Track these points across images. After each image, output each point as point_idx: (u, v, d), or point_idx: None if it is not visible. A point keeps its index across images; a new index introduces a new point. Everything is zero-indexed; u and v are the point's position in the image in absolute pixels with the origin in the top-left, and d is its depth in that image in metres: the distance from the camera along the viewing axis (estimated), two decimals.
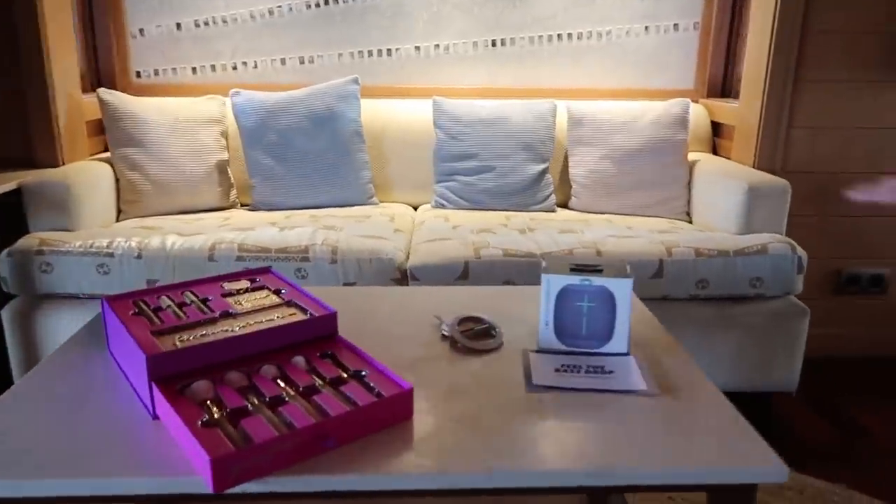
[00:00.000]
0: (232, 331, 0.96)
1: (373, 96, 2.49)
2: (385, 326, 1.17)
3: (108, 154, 2.31)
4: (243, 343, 0.94)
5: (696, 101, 2.56)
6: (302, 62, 2.56)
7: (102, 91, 2.17)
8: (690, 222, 2.22)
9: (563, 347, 1.08)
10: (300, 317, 1.02)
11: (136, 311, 1.01)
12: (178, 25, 2.52)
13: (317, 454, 0.80)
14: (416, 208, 2.42)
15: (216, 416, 0.81)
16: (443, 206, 2.32)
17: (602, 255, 1.80)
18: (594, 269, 1.08)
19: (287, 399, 0.85)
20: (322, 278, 1.78)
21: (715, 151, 2.49)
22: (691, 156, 2.34)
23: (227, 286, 1.13)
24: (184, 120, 2.25)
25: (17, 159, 2.10)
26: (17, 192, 1.88)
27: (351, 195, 2.32)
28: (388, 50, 2.56)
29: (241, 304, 1.06)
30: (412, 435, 0.84)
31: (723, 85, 2.59)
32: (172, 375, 0.88)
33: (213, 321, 1.00)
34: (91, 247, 1.78)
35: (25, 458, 0.78)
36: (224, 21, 2.51)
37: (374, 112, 2.41)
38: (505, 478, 0.78)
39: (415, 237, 2.00)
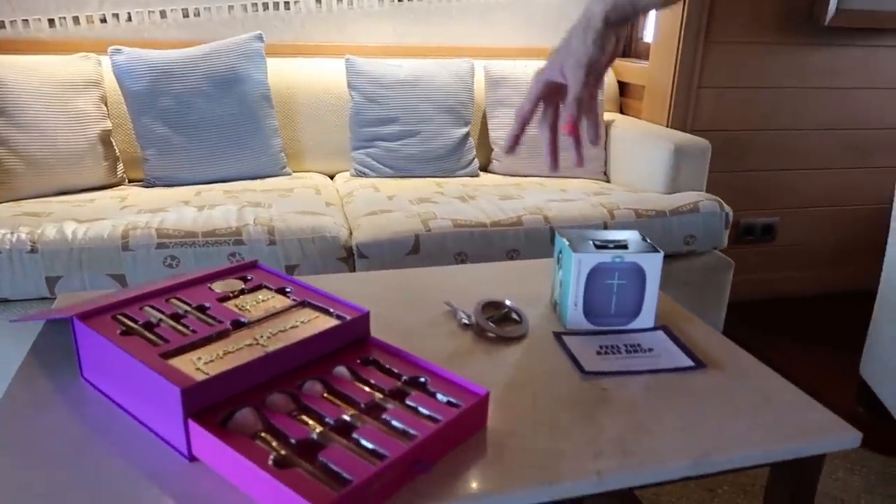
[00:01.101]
0: (259, 344, 0.82)
1: (272, 55, 2.26)
2: (395, 318, 1.06)
3: None
4: (283, 359, 0.80)
5: None
6: (186, 15, 2.27)
7: None
8: (609, 182, 2.27)
9: (592, 327, 1.05)
10: (326, 320, 0.89)
11: (124, 329, 0.83)
12: None
13: (411, 481, 0.70)
14: (332, 177, 2.26)
15: (283, 451, 0.68)
16: (364, 175, 2.18)
17: (550, 221, 1.79)
18: (619, 245, 1.05)
19: (355, 421, 0.74)
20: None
21: (621, 110, 2.56)
22: (605, 116, 2.38)
23: (219, 288, 0.96)
24: (53, 83, 1.90)
25: None
26: None
27: (261, 166, 2.11)
28: (286, 3, 2.33)
29: (247, 309, 0.90)
30: (497, 445, 0.77)
31: (625, 45, 2.64)
32: (208, 408, 0.73)
33: (226, 334, 0.84)
34: None
35: None
36: None
37: (278, 73, 2.19)
38: (615, 481, 0.74)
39: (349, 210, 1.86)
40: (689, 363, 0.95)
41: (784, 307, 2.45)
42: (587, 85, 0.72)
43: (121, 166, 2.05)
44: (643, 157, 2.11)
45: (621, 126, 2.29)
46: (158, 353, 0.77)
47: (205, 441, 0.70)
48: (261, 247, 1.61)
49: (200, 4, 2.26)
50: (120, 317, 0.86)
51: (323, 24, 2.37)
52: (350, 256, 1.68)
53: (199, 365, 0.77)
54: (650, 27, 2.46)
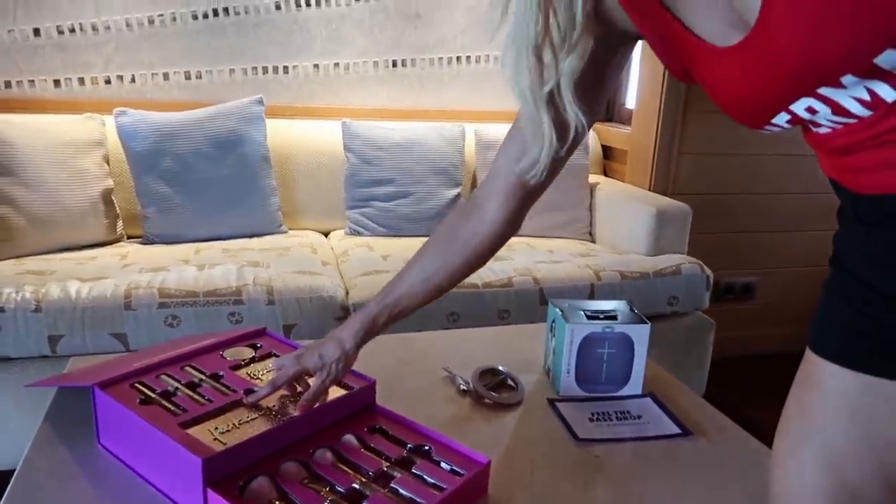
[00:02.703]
0: (272, 413, 0.86)
1: (271, 116, 2.34)
2: (395, 382, 1.11)
3: None
4: (295, 428, 0.84)
5: None
6: (188, 78, 2.35)
7: None
8: (594, 242, 2.36)
9: (583, 393, 1.10)
10: (333, 389, 0.94)
11: (143, 398, 0.87)
12: (37, 31, 2.19)
13: None
14: (326, 235, 2.32)
15: None
16: (358, 234, 2.25)
17: (540, 283, 1.85)
18: (608, 315, 1.11)
19: (364, 490, 0.78)
20: (258, 321, 1.65)
21: (605, 173, 2.66)
22: (590, 178, 2.48)
23: (230, 356, 1.01)
24: (59, 143, 1.96)
25: None
26: None
27: (258, 224, 2.17)
28: (285, 67, 2.42)
29: (259, 378, 0.95)
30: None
31: (607, 110, 2.77)
32: (225, 477, 0.77)
33: (240, 403, 0.89)
34: None
35: None
36: (94, 29, 2.23)
37: (277, 133, 2.27)
38: None
39: (345, 270, 1.91)
40: (676, 430, 1.01)
41: (764, 364, 2.52)
42: (325, 387, 0.90)
43: (121, 223, 2.09)
44: (627, 220, 2.20)
45: (606, 189, 2.39)
46: (178, 423, 0.82)
47: None
48: (260, 307, 1.66)
49: (202, 67, 2.35)
50: (138, 385, 0.90)
51: (320, 88, 2.46)
52: (347, 315, 1.73)
53: (217, 434, 0.81)
54: (632, 95, 2.59)
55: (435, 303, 1.72)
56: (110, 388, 0.88)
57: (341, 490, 0.78)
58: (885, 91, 0.52)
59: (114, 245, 2.04)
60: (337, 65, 2.47)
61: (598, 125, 2.69)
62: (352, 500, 0.77)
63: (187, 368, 0.96)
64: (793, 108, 0.57)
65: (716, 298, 2.51)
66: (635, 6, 0.66)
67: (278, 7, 2.35)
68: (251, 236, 2.14)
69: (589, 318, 1.10)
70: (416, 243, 2.10)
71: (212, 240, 2.08)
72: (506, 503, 0.83)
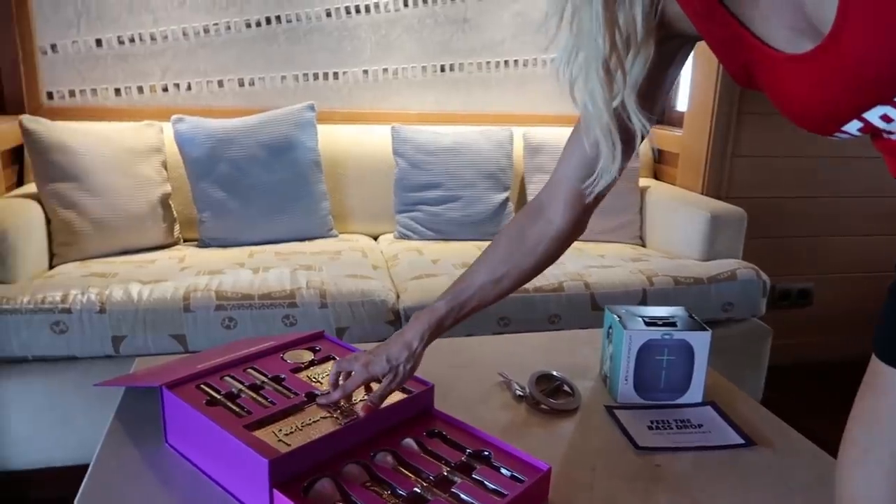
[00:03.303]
0: (334, 417, 0.88)
1: (321, 121, 2.37)
2: (450, 387, 1.11)
3: (25, 189, 2.04)
4: (356, 431, 0.85)
5: None
6: (242, 84, 2.40)
7: (26, 118, 1.91)
8: (644, 246, 2.32)
9: (642, 401, 1.09)
10: (394, 394, 0.95)
11: (209, 399, 0.89)
12: (99, 42, 2.27)
13: None
14: (375, 238, 2.34)
15: None
16: (407, 237, 2.26)
17: (591, 287, 1.84)
18: (668, 322, 1.09)
19: (426, 494, 0.79)
20: (312, 324, 1.67)
21: (656, 176, 2.62)
22: (640, 182, 2.44)
23: (290, 358, 1.03)
24: (120, 150, 2.03)
25: None
26: None
27: (309, 227, 2.20)
28: (336, 73, 2.46)
29: (319, 381, 0.96)
30: None
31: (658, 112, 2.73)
32: (290, 478, 0.78)
33: (301, 406, 0.90)
34: (43, 302, 1.56)
35: None
36: (153, 38, 2.30)
37: (327, 138, 2.30)
38: None
39: (395, 274, 1.93)
40: (739, 440, 0.99)
41: (822, 372, 2.45)
42: (392, 389, 0.91)
43: (177, 227, 2.15)
44: (679, 224, 2.16)
45: (656, 192, 2.35)
46: (243, 425, 0.83)
47: None
48: (313, 310, 1.68)
49: (255, 74, 2.40)
50: (203, 386, 0.92)
51: (369, 93, 2.49)
52: (398, 319, 1.74)
53: (281, 437, 0.83)
54: (684, 97, 2.54)
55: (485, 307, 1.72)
56: (177, 388, 0.91)
57: (403, 493, 0.79)
58: None
59: (171, 248, 2.10)
60: (386, 70, 2.49)
61: None
62: (413, 503, 0.77)
63: (250, 371, 0.98)
64: (866, 115, 0.56)
65: (771, 304, 2.45)
66: (700, 13, 0.65)
67: (329, 14, 2.39)
68: (302, 240, 2.18)
69: (647, 324, 1.08)
70: (464, 247, 2.13)
71: (265, 243, 2.12)
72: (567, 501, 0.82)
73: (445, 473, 0.83)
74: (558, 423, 1.03)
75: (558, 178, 0.89)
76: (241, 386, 0.93)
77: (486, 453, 0.87)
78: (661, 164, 2.61)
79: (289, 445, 0.80)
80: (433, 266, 1.93)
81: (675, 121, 2.63)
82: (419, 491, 0.79)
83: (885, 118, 0.55)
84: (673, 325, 1.09)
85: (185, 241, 2.20)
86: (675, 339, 1.07)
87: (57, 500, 1.67)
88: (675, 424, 1.03)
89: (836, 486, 0.64)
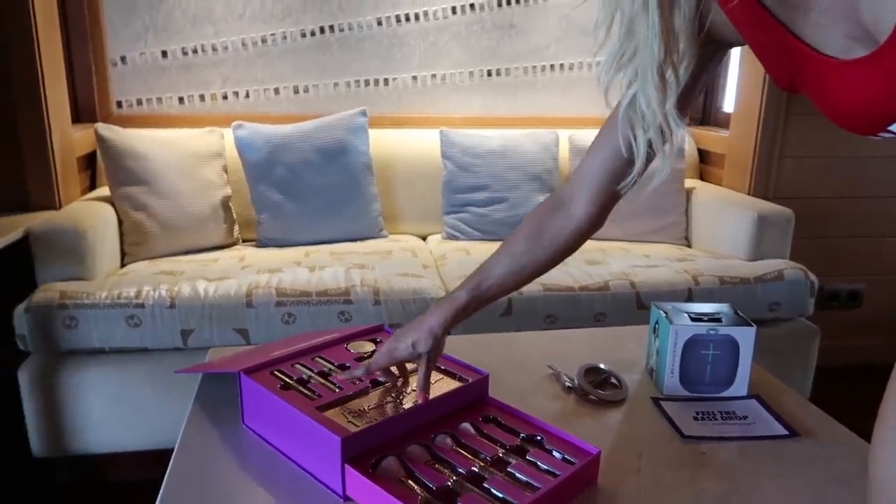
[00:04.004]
0: (398, 402, 0.95)
1: (372, 126, 2.46)
2: (503, 378, 1.17)
3: (98, 192, 2.18)
4: (418, 415, 0.92)
5: None
6: (297, 92, 2.51)
7: (101, 126, 2.04)
8: (690, 247, 2.34)
9: (687, 394, 1.13)
10: (449, 381, 1.01)
11: (283, 384, 0.97)
12: (164, 53, 2.40)
13: None
14: (424, 238, 2.42)
15: (424, 497, 0.80)
16: (455, 238, 2.33)
17: (636, 287, 1.87)
18: (713, 318, 1.13)
19: (483, 473, 0.85)
20: (365, 320, 1.75)
21: (701, 177, 2.63)
22: (686, 183, 2.46)
23: (354, 349, 1.10)
24: (185, 155, 2.15)
25: (9, 201, 1.93)
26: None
27: (360, 229, 2.29)
28: (386, 79, 2.54)
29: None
30: (608, 500, 0.86)
31: (703, 115, 2.74)
32: (359, 455, 0.85)
33: (366, 391, 0.97)
34: (119, 297, 1.67)
35: None
36: (214, 49, 2.42)
37: (378, 142, 2.38)
38: None
39: (445, 273, 2.00)
40: (783, 431, 1.02)
41: (873, 375, 2.42)
42: (429, 374, 0.97)
43: (237, 228, 2.26)
44: (725, 224, 2.18)
45: (702, 193, 2.37)
46: (315, 406, 0.91)
47: (359, 484, 0.82)
48: (367, 306, 1.76)
49: (309, 82, 2.50)
50: (276, 373, 1.01)
51: (418, 98, 2.57)
52: None
53: (350, 418, 0.90)
54: (730, 98, 2.55)
55: (533, 305, 1.78)
56: (254, 374, 0.99)
57: (462, 472, 0.85)
58: None
59: (231, 248, 2.21)
60: (434, 76, 2.56)
61: (693, 129, 2.67)
62: (472, 481, 0.84)
63: (317, 359, 1.06)
64: None
65: (820, 305, 2.44)
66: (747, 21, 0.70)
67: (380, 23, 2.48)
68: (355, 240, 2.27)
69: (693, 320, 1.13)
70: None
71: (319, 243, 2.21)
72: (614, 492, 0.87)
73: (501, 455, 0.89)
74: (606, 413, 1.08)
75: (584, 175, 0.93)
76: (310, 373, 1.01)
77: (539, 438, 0.93)
78: (707, 165, 2.62)
79: (357, 426, 0.87)
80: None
81: (721, 122, 2.64)
82: (476, 470, 0.85)
83: None
84: (718, 320, 1.12)
85: (243, 241, 2.31)
86: (721, 334, 1.11)
87: (133, 482, 1.79)
88: (720, 416, 1.07)
89: (868, 468, 0.68)
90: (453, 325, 0.98)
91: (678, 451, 0.98)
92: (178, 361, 1.71)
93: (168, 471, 0.91)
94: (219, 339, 1.71)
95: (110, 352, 1.70)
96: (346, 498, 0.84)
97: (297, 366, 1.03)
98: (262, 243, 2.23)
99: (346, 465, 0.83)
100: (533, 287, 1.83)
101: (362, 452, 0.86)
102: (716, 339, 1.11)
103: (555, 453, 0.90)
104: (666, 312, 1.15)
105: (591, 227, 0.95)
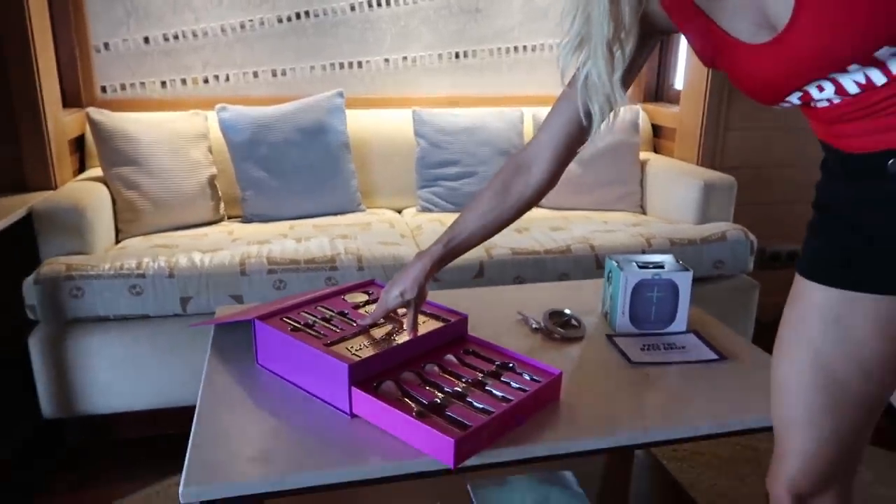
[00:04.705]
0: (392, 339, 1.12)
1: (348, 107, 2.59)
2: (479, 323, 1.34)
3: (90, 173, 2.28)
4: (410, 348, 1.09)
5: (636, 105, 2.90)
6: (274, 75, 2.63)
7: (92, 110, 2.15)
8: (645, 214, 2.55)
9: (636, 331, 1.32)
10: (434, 323, 1.19)
11: (293, 327, 1.13)
12: (146, 39, 2.50)
13: (509, 432, 0.98)
14: (399, 212, 2.57)
15: (418, 409, 0.97)
16: (429, 210, 2.50)
17: (595, 249, 2.07)
18: (657, 265, 1.32)
19: (466, 391, 1.03)
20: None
21: (655, 149, 2.84)
22: (641, 155, 2.66)
23: (350, 299, 1.27)
24: (173, 136, 2.26)
25: (6, 182, 2.04)
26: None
27: (340, 203, 2.44)
28: (360, 62, 2.68)
29: None
30: (569, 410, 1.05)
31: (656, 91, 2.94)
32: (363, 380, 1.02)
33: (364, 331, 1.14)
34: (122, 269, 1.81)
35: (273, 456, 0.91)
36: (194, 35, 2.53)
37: (354, 122, 2.52)
38: (658, 434, 1.01)
39: (421, 242, 2.16)
40: (714, 356, 1.22)
41: None
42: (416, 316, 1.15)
43: (223, 205, 2.39)
44: (676, 192, 2.38)
45: (655, 164, 2.57)
46: (323, 343, 1.08)
47: (364, 402, 0.99)
48: (352, 272, 1.92)
49: (286, 65, 2.62)
50: (286, 319, 1.17)
51: (391, 80, 2.71)
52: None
53: (353, 351, 1.07)
54: (679, 77, 2.75)
55: (502, 267, 1.96)
56: (267, 320, 1.15)
57: (448, 391, 1.03)
58: (876, 76, 0.70)
59: (218, 224, 2.34)
60: (405, 58, 2.71)
61: (647, 105, 2.86)
62: (457, 398, 1.01)
63: (320, 307, 1.22)
64: (806, 88, 0.76)
65: (763, 266, 2.67)
66: (676, 9, 0.87)
67: (353, 8, 2.61)
68: (335, 214, 2.41)
69: (640, 268, 1.32)
70: None
71: (301, 218, 2.36)
72: (575, 405, 1.06)
73: (480, 378, 1.07)
74: (568, 348, 1.27)
75: (544, 140, 1.06)
76: (315, 318, 1.18)
77: (511, 364, 1.11)
78: (660, 139, 2.82)
79: (360, 357, 1.04)
80: None
81: (672, 98, 2.84)
82: (460, 389, 1.03)
83: (819, 88, 0.75)
84: (661, 267, 1.32)
85: (229, 217, 2.44)
86: (663, 279, 1.30)
87: (136, 439, 1.94)
88: (663, 347, 1.26)
89: (771, 375, 0.87)
90: (432, 273, 1.14)
91: (627, 374, 1.17)
92: (177, 326, 1.85)
93: (198, 403, 1.06)
94: (215, 304, 1.85)
95: (114, 319, 1.83)
96: (353, 415, 1.01)
97: (304, 313, 1.20)
98: (247, 219, 2.36)
99: (353, 388, 1.00)
100: (502, 251, 2.01)
101: (365, 378, 1.03)
102: (659, 282, 1.30)
103: (525, 375, 1.08)
104: (618, 262, 1.34)
105: (549, 185, 1.10)
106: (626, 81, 0.96)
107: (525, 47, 2.79)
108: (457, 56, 2.75)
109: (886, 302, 0.76)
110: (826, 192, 0.84)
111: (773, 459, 0.90)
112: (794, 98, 0.80)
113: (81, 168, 2.39)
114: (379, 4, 2.62)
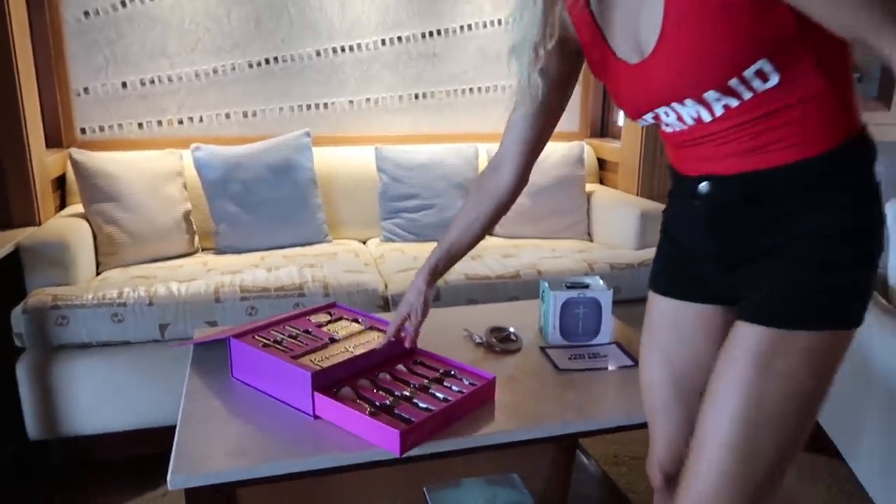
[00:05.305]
0: (349, 351, 1.29)
1: (315, 144, 2.78)
2: (430, 340, 1.52)
3: (71, 210, 2.43)
4: (365, 359, 1.27)
5: (582, 141, 3.14)
6: (245, 115, 2.82)
7: (74, 151, 2.31)
8: (592, 241, 2.76)
9: (566, 343, 1.51)
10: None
11: (264, 343, 1.30)
12: (124, 84, 2.67)
13: (449, 426, 1.16)
14: (364, 242, 2.76)
15: (371, 409, 1.15)
16: (391, 240, 2.68)
17: (542, 274, 2.27)
18: (583, 286, 1.52)
19: (412, 395, 1.20)
20: None
21: (601, 181, 3.07)
22: (587, 187, 2.89)
23: (314, 319, 1.44)
24: (149, 174, 2.43)
25: None
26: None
27: (308, 235, 2.61)
28: (325, 104, 2.88)
29: (337, 332, 1.38)
30: (503, 407, 1.23)
31: (601, 127, 3.19)
32: (323, 386, 1.20)
33: (326, 346, 1.32)
34: (104, 298, 1.95)
35: (247, 451, 1.07)
36: (170, 79, 2.71)
37: (320, 159, 2.71)
38: (575, 426, 1.19)
39: (383, 269, 2.34)
40: (631, 363, 1.41)
41: None
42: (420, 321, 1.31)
43: (197, 238, 2.55)
44: (618, 221, 2.61)
45: (600, 195, 2.80)
46: (290, 356, 1.25)
47: (325, 404, 1.16)
48: (318, 298, 2.09)
49: (257, 107, 2.81)
50: (257, 337, 1.34)
51: (355, 119, 2.91)
52: (386, 304, 2.16)
53: (315, 362, 1.24)
54: (622, 114, 2.99)
55: (457, 291, 2.14)
56: (241, 338, 1.32)
57: (398, 394, 1.20)
58: (704, 113, 0.86)
59: (193, 256, 2.50)
60: (368, 99, 2.92)
61: (593, 140, 3.11)
62: (405, 399, 1.19)
63: (287, 327, 1.40)
64: (657, 111, 0.89)
65: None
66: (580, 21, 0.96)
67: (318, 54, 2.81)
68: (303, 245, 2.59)
69: (568, 288, 1.51)
70: None
71: (272, 249, 2.52)
72: (508, 403, 1.24)
73: (425, 383, 1.25)
74: (505, 359, 1.45)
75: (506, 145, 1.17)
76: (283, 336, 1.35)
77: (453, 372, 1.29)
78: (605, 172, 3.06)
79: (321, 367, 1.22)
80: (414, 262, 2.35)
81: (615, 134, 3.09)
82: (408, 393, 1.21)
83: (666, 114, 0.89)
84: (587, 287, 1.52)
85: (203, 249, 2.59)
86: (588, 297, 1.50)
87: (118, 460, 2.06)
88: (587, 356, 1.46)
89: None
90: (433, 282, 1.29)
91: (554, 379, 1.36)
92: (155, 351, 2.00)
93: (181, 410, 1.22)
94: (192, 330, 2.00)
95: (97, 345, 1.97)
96: (316, 416, 1.18)
97: (273, 331, 1.37)
98: (220, 251, 2.52)
99: (315, 392, 1.17)
100: (457, 276, 2.20)
101: (325, 385, 1.20)
102: (584, 300, 1.50)
103: (464, 381, 1.27)
104: (549, 283, 1.53)
105: (520, 181, 1.18)
106: (563, 92, 1.08)
107: (478, 88, 3.02)
108: (416, 97, 2.97)
109: (707, 308, 0.95)
110: (667, 213, 1.01)
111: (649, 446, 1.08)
112: (649, 118, 0.92)
113: (62, 205, 2.53)
114: (343, 50, 2.84)
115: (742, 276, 0.90)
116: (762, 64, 0.78)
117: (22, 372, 1.92)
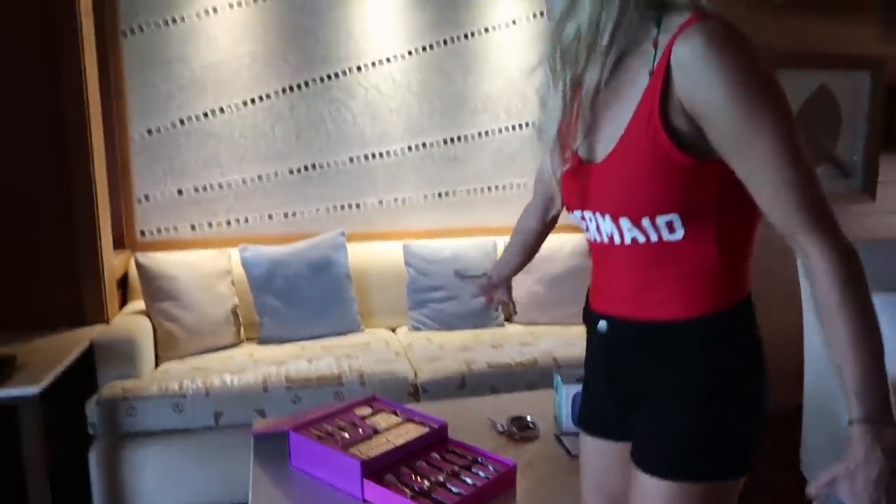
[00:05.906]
0: (391, 442, 1.52)
1: (349, 241, 3.07)
2: (459, 427, 1.73)
3: (132, 307, 2.71)
4: (405, 448, 1.49)
5: None
6: (286, 216, 3.12)
7: (139, 255, 2.61)
8: None
9: (577, 430, 1.72)
10: (423, 428, 1.59)
11: (319, 435, 1.53)
12: (180, 191, 3.00)
13: None
14: (393, 330, 3.00)
15: (412, 493, 1.36)
16: (419, 329, 2.92)
17: (558, 361, 2.49)
18: None
19: (447, 480, 1.42)
20: (355, 397, 2.30)
21: None
22: None
23: (358, 412, 1.67)
24: (202, 274, 2.72)
25: (67, 317, 2.45)
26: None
27: (342, 325, 2.86)
28: (358, 204, 3.18)
29: (380, 423, 1.61)
30: (525, 493, 1.43)
31: None
32: (371, 473, 1.42)
33: (370, 437, 1.54)
34: (167, 391, 2.20)
35: None
36: (220, 186, 3.04)
37: (354, 254, 2.99)
38: None
39: (413, 358, 2.58)
40: None
41: None
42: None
43: (242, 330, 2.81)
44: None
45: None
46: (341, 447, 1.47)
47: (373, 490, 1.38)
48: (355, 387, 2.32)
49: (297, 208, 3.12)
50: (311, 429, 1.57)
51: (384, 217, 3.21)
52: (416, 391, 2.38)
53: (363, 452, 1.46)
54: None
55: (480, 379, 2.36)
56: (299, 431, 1.55)
57: (433, 480, 1.42)
58: (616, 236, 0.94)
59: (239, 346, 2.75)
60: (396, 199, 3.22)
61: None
62: (440, 484, 1.41)
63: (336, 419, 1.63)
64: (584, 212, 0.99)
65: None
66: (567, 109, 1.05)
67: (351, 160, 3.14)
68: (339, 334, 2.83)
69: (578, 381, 1.73)
70: (464, 335, 2.83)
71: (311, 339, 2.77)
72: (530, 489, 1.45)
73: (456, 469, 1.46)
74: (524, 446, 1.66)
75: (530, 209, 1.43)
76: (334, 428, 1.58)
77: (480, 460, 1.51)
78: None
79: (369, 456, 1.44)
80: (440, 351, 2.59)
81: None
82: (442, 479, 1.42)
83: (591, 219, 0.98)
84: None
85: (247, 339, 2.85)
86: None
87: None
88: None
89: None
90: (509, 279, 1.59)
91: (567, 465, 1.56)
92: (212, 438, 2.23)
93: (249, 500, 1.44)
94: (243, 417, 2.24)
95: (160, 433, 2.21)
96: (365, 500, 1.40)
97: (323, 424, 1.60)
98: (263, 341, 2.78)
99: (364, 479, 1.39)
100: (480, 366, 2.43)
101: (372, 472, 1.42)
102: None
103: (490, 467, 1.48)
104: (562, 377, 1.76)
105: (546, 229, 1.45)
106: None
107: (495, 187, 3.32)
108: (439, 195, 3.27)
109: (619, 445, 1.06)
110: (586, 348, 1.17)
111: None
112: (577, 215, 1.01)
113: (123, 302, 2.82)
114: (374, 157, 3.16)
115: (635, 417, 1.00)
116: (674, 217, 0.89)
117: (94, 458, 2.15)
